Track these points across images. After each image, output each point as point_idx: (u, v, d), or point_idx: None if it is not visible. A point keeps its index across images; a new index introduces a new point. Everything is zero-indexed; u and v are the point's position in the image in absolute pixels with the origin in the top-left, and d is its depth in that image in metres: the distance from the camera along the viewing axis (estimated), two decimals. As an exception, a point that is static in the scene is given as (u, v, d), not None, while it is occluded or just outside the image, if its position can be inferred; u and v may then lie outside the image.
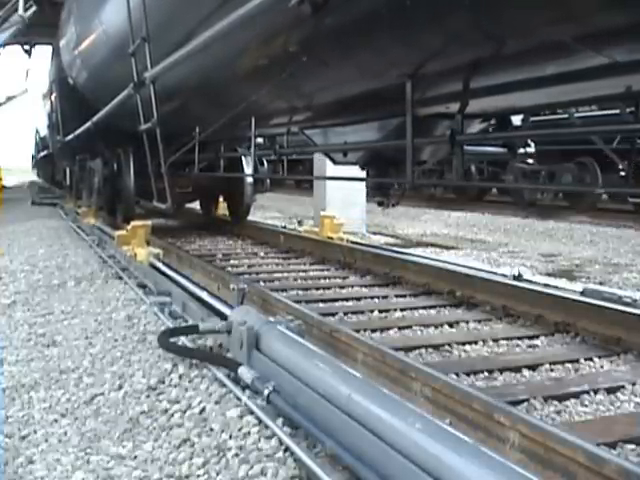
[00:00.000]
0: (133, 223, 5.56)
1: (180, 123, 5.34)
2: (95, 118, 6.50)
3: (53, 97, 10.11)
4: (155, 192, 4.79)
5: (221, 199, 9.15)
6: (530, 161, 10.19)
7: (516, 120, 3.47)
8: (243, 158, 8.04)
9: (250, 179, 8.34)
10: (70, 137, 8.45)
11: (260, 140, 6.31)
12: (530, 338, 3.47)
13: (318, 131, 4.46)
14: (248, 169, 8.08)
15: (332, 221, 6.56)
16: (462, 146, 2.91)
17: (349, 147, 4.13)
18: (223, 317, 2.96)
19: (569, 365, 3.03)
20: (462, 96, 2.79)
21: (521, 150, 3.78)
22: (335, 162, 4.44)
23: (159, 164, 4.38)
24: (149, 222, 5.65)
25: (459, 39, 2.38)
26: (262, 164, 10.16)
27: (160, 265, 4.54)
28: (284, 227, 7.61)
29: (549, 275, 5.41)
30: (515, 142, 3.71)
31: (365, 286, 4.95)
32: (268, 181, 10.04)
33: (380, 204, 4.21)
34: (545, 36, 2.12)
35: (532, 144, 3.78)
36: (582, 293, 3.67)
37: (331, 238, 6.38)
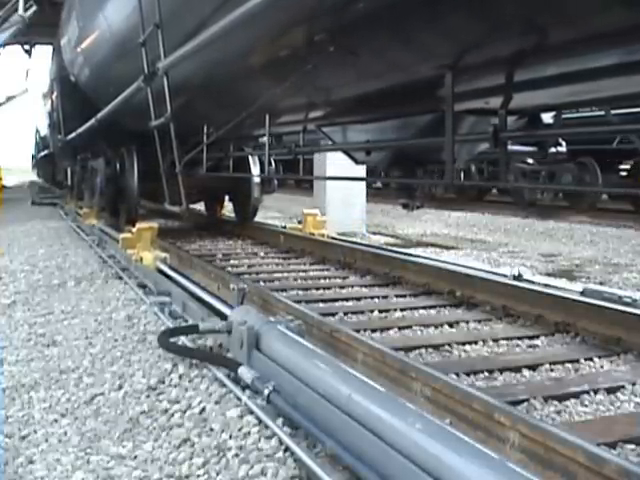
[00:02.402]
0: (138, 225, 5.41)
1: (190, 121, 5.08)
2: (99, 115, 6.38)
3: (54, 96, 10.07)
4: (167, 194, 4.46)
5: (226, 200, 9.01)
6: (530, 161, 10.17)
7: (545, 118, 3.19)
8: (250, 157, 7.89)
9: (257, 179, 8.15)
10: (72, 136, 8.40)
11: (266, 139, 6.20)
12: (530, 338, 3.47)
13: (337, 129, 4.24)
14: (255, 169, 7.96)
15: (315, 218, 7.02)
16: (506, 144, 2.70)
17: (374, 145, 3.87)
18: (223, 317, 2.96)
19: (569, 365, 3.03)
20: (505, 90, 2.59)
21: (552, 149, 3.54)
22: (357, 162, 4.29)
23: (170, 164, 4.14)
24: (155, 224, 5.49)
25: (505, 26, 2.19)
26: (269, 164, 10.05)
27: (164, 268, 4.47)
28: (284, 227, 7.61)
29: (549, 275, 5.41)
30: (547, 141, 3.45)
31: (365, 286, 4.95)
32: (275, 181, 9.83)
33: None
34: (602, 24, 1.94)
35: (564, 143, 3.61)
36: (582, 293, 3.66)
37: (313, 234, 6.77)
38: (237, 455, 1.96)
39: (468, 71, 2.59)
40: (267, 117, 4.38)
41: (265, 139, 4.82)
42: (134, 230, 5.33)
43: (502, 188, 13.48)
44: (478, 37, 2.36)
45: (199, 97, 4.86)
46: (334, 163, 8.06)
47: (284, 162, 14.44)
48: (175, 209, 4.45)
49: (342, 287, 4.94)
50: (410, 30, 2.51)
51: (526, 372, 2.94)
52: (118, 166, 7.89)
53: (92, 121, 6.79)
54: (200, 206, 9.67)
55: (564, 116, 3.16)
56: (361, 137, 4.01)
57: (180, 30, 3.61)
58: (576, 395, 2.64)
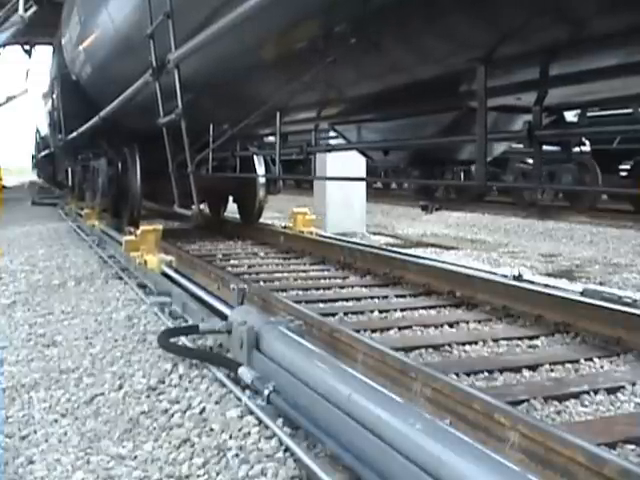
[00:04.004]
0: (142, 227, 5.27)
1: (198, 118, 4.82)
2: (103, 113, 6.26)
3: (54, 95, 10.01)
4: (176, 196, 4.17)
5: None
6: (530, 161, 10.17)
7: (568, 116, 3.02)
8: (255, 157, 7.75)
9: (263, 179, 7.99)
10: (73, 135, 8.35)
11: (271, 139, 6.08)
12: (530, 338, 3.47)
13: (350, 127, 4.07)
14: (260, 169, 7.84)
15: (304, 217, 7.17)
16: (541, 143, 2.52)
17: (394, 144, 3.67)
18: (223, 317, 2.96)
19: (569, 365, 3.03)
20: (540, 85, 2.43)
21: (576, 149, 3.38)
22: (373, 161, 4.13)
23: (181, 164, 3.89)
24: (160, 226, 5.35)
25: (543, 14, 2.03)
26: (273, 164, 9.95)
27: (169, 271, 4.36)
28: (284, 227, 7.61)
29: (549, 275, 5.41)
30: (570, 140, 3.25)
31: (365, 286, 4.95)
32: (281, 182, 9.68)
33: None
34: None
35: (587, 142, 3.43)
36: (582, 293, 3.67)
37: (302, 232, 6.94)
38: (237, 455, 1.96)
39: (501, 64, 2.43)
40: (278, 115, 4.18)
41: (272, 138, 4.59)
42: (138, 232, 5.20)
43: (502, 188, 13.48)
44: (516, 25, 2.19)
45: (209, 93, 4.62)
46: (334, 163, 8.06)
47: (284, 162, 14.43)
48: (185, 212, 4.24)
49: (342, 287, 4.93)
50: (441, 18, 2.34)
51: (526, 372, 2.94)
52: (120, 166, 7.77)
53: (95, 119, 6.66)
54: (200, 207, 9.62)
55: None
56: (374, 136, 3.89)
57: (191, 20, 3.43)
58: (576, 395, 2.63)
